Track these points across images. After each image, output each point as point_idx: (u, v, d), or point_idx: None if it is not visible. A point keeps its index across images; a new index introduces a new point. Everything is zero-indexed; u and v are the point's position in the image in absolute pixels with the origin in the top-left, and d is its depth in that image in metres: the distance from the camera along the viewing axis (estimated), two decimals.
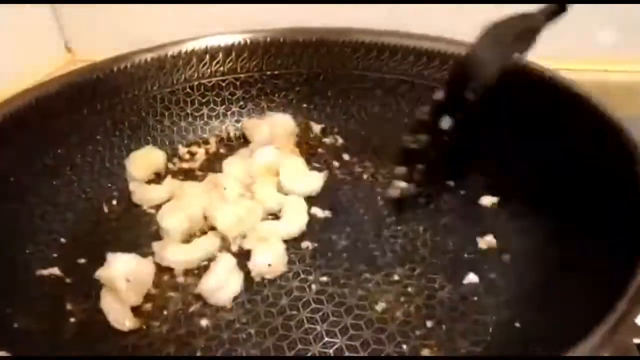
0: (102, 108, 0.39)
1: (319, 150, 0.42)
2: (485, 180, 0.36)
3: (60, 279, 0.31)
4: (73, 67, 0.39)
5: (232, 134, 0.43)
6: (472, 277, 0.30)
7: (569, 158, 0.31)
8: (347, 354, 0.26)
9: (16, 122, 0.33)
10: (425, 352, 0.26)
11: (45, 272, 0.31)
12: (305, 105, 0.45)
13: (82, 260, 0.32)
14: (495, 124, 0.33)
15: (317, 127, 0.44)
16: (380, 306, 0.28)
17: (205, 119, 0.43)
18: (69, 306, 0.29)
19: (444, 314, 0.28)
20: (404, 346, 0.26)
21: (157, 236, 0.34)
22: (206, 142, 0.43)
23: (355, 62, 0.44)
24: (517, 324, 0.27)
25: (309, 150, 0.42)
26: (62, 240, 0.33)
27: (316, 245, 0.32)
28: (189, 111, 0.43)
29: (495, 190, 0.35)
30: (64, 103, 0.36)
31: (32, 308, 0.29)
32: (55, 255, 0.32)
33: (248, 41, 0.43)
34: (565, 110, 0.32)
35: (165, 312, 0.29)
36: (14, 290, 0.29)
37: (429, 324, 0.27)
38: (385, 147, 0.41)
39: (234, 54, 0.43)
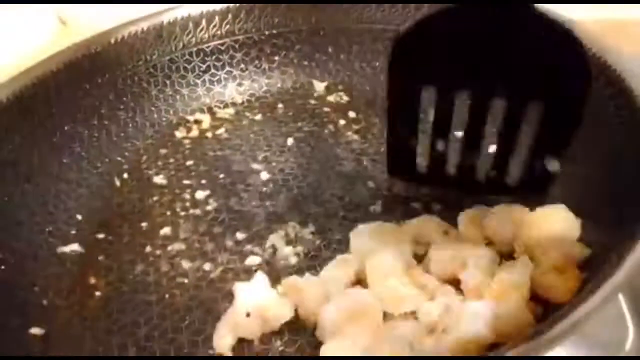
0: (103, 82, 0.38)
1: (324, 109, 0.42)
2: None
3: (81, 254, 0.32)
4: (68, 40, 0.39)
5: (235, 99, 0.43)
6: None
7: None
8: None
9: (19, 103, 0.33)
10: None
11: (66, 249, 0.32)
12: (306, 63, 0.44)
13: (101, 235, 0.33)
14: None
15: (320, 85, 0.43)
16: None
17: (208, 85, 0.43)
18: (92, 280, 0.30)
19: None
20: None
21: (171, 207, 0.34)
22: (210, 109, 0.42)
23: (354, 15, 0.43)
24: None
25: (314, 109, 0.42)
26: (78, 216, 0.34)
27: None
28: (190, 78, 0.42)
29: None
30: (65, 80, 0.36)
31: (58, 285, 0.30)
32: (73, 232, 0.33)
33: (244, 2, 0.42)
34: None
35: None
36: (38, 269, 0.30)
37: None
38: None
39: (230, 16, 0.42)
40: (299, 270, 0.29)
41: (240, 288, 0.27)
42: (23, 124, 0.34)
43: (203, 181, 0.36)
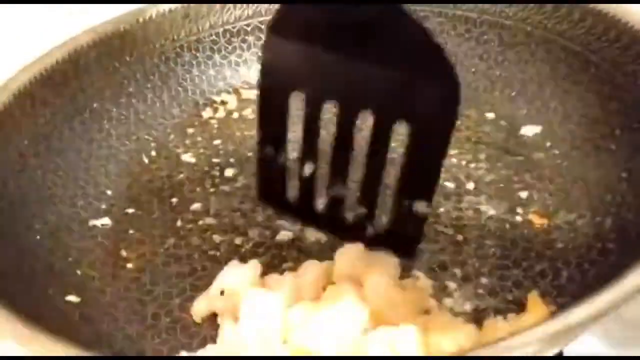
0: (131, 60, 0.38)
1: None
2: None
3: (112, 228, 0.32)
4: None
5: None
6: None
7: None
8: None
9: (50, 78, 0.33)
10: None
11: (97, 222, 0.32)
12: None
13: (131, 210, 0.33)
14: None
15: None
16: None
17: (233, 66, 0.43)
18: (124, 253, 0.30)
19: None
20: None
21: (201, 183, 0.34)
22: (236, 90, 0.42)
23: None
24: None
25: None
26: (108, 192, 0.34)
27: None
28: (216, 59, 0.42)
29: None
30: (95, 57, 0.36)
31: (90, 256, 0.30)
32: (104, 206, 0.33)
33: None
34: None
35: None
36: (72, 241, 0.30)
37: None
38: None
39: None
40: (326, 248, 0.29)
41: (229, 268, 0.27)
42: (55, 99, 0.34)
43: (231, 159, 0.36)
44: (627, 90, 0.31)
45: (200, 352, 0.24)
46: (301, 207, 0.29)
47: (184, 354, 0.25)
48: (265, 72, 0.27)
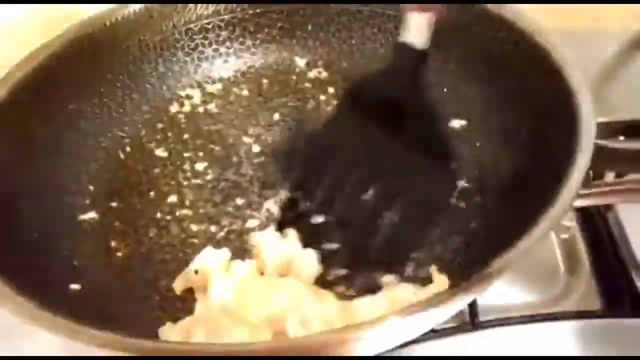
0: (102, 61, 0.41)
1: (306, 84, 0.46)
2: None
3: (99, 221, 0.36)
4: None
5: (222, 74, 0.47)
6: None
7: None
8: None
9: (28, 87, 0.36)
10: None
11: (85, 217, 0.36)
12: (287, 40, 0.48)
13: (114, 204, 0.37)
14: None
15: (301, 62, 0.48)
16: None
17: (196, 62, 0.46)
18: (112, 244, 0.35)
19: None
20: None
21: (175, 177, 0.39)
22: (199, 84, 0.46)
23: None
24: None
25: (296, 84, 0.46)
26: (91, 187, 0.38)
27: None
28: (180, 56, 0.46)
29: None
30: (67, 60, 0.39)
31: (82, 248, 0.34)
32: (88, 201, 0.37)
33: None
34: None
35: None
36: (65, 235, 0.34)
37: None
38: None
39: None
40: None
41: (204, 253, 0.32)
42: (33, 105, 0.37)
43: (200, 153, 0.41)
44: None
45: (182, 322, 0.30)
46: None
47: (169, 324, 0.30)
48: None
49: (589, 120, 0.29)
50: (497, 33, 0.39)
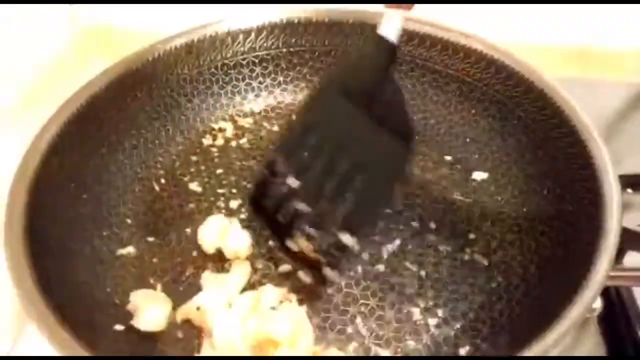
0: (142, 95, 0.43)
1: None
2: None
3: (137, 257, 0.38)
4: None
5: (254, 108, 0.48)
6: None
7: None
8: None
9: (76, 123, 0.38)
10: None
11: (124, 251, 0.38)
12: (317, 78, 0.50)
13: (151, 239, 0.39)
14: None
15: None
16: None
17: (230, 95, 0.48)
18: (151, 281, 0.36)
19: None
20: None
21: (209, 213, 0.40)
22: (232, 117, 0.48)
23: (364, 38, 0.48)
24: None
25: None
26: (128, 220, 0.40)
27: None
28: (215, 89, 0.47)
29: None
30: (111, 97, 0.40)
31: (124, 285, 0.36)
32: (126, 235, 0.39)
33: (266, 22, 0.46)
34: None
35: None
36: (105, 270, 0.36)
37: None
38: None
39: (253, 35, 0.47)
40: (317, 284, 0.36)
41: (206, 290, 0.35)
42: (79, 140, 0.38)
43: (234, 190, 0.42)
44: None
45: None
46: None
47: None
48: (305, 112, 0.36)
49: (615, 202, 0.31)
50: (524, 95, 0.41)
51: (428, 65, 0.47)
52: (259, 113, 0.48)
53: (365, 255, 0.37)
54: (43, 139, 0.35)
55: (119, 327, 0.33)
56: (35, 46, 0.50)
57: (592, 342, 0.40)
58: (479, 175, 0.43)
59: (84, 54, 0.49)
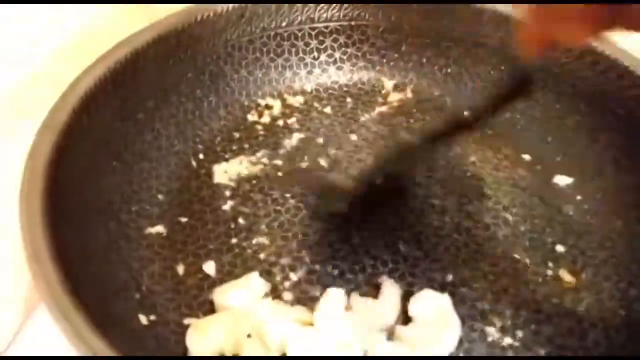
0: (185, 58, 0.38)
1: (392, 108, 0.42)
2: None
3: (167, 237, 0.33)
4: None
5: (305, 87, 0.43)
6: None
7: None
8: None
9: (111, 81, 0.33)
10: None
11: (152, 230, 0.33)
12: (377, 58, 0.44)
13: (184, 219, 0.34)
14: None
15: (389, 83, 0.44)
16: None
17: (280, 69, 0.43)
18: (180, 268, 0.31)
19: None
20: None
21: (249, 198, 0.35)
22: (280, 94, 0.43)
23: (432, 19, 0.43)
24: None
25: (382, 108, 0.43)
26: (160, 197, 0.35)
27: None
28: (264, 61, 0.42)
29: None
30: (152, 56, 0.36)
31: (150, 268, 0.31)
32: (157, 212, 0.34)
33: None
34: None
35: None
36: (131, 249, 0.31)
37: None
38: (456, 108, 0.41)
39: (312, 4, 0.42)
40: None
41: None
42: (114, 100, 0.34)
43: (279, 173, 0.37)
44: None
45: None
46: None
47: None
48: None
49: None
50: (627, 91, 0.35)
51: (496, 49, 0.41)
52: (310, 92, 0.43)
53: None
54: (75, 91, 0.31)
55: (142, 319, 0.28)
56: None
57: None
58: (562, 180, 0.37)
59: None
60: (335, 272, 0.32)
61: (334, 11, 0.42)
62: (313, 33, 0.43)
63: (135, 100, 0.35)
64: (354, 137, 0.40)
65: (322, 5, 0.42)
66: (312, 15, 0.42)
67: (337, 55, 0.44)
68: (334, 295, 0.28)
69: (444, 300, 0.29)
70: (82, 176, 0.30)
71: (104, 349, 0.21)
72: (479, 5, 0.41)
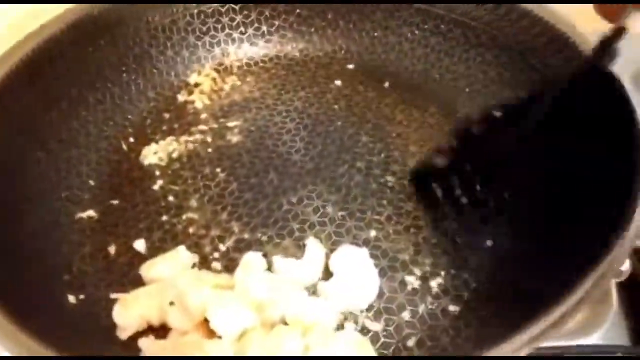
0: (106, 43, 0.38)
1: (323, 75, 0.43)
2: None
3: (98, 221, 0.34)
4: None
5: (234, 63, 0.44)
6: None
7: None
8: None
9: (27, 68, 0.33)
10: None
11: (83, 214, 0.34)
12: (305, 28, 0.45)
13: (115, 202, 0.35)
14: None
15: (318, 51, 0.44)
16: None
17: (207, 47, 0.43)
18: (112, 249, 0.32)
19: None
20: None
21: (180, 176, 0.36)
22: (210, 72, 0.43)
23: None
24: None
25: (313, 76, 0.43)
26: (91, 182, 0.35)
27: None
28: (190, 40, 0.43)
29: None
30: (69, 42, 0.36)
31: (81, 251, 0.32)
32: (88, 197, 0.35)
33: None
34: None
35: None
36: (62, 234, 0.32)
37: None
38: (394, 74, 0.42)
39: None
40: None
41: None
42: (32, 90, 0.34)
43: (209, 150, 0.38)
44: None
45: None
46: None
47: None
48: None
49: None
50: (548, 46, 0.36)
51: (428, 10, 0.42)
52: (240, 67, 0.44)
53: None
54: None
55: (71, 298, 0.29)
56: None
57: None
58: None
59: None
60: (265, 238, 0.33)
61: None
62: (237, 8, 0.43)
63: (56, 88, 0.35)
64: (289, 108, 0.41)
65: None
66: None
67: (264, 28, 0.44)
68: (252, 258, 0.29)
69: (362, 253, 0.30)
70: (4, 168, 0.31)
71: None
72: None
